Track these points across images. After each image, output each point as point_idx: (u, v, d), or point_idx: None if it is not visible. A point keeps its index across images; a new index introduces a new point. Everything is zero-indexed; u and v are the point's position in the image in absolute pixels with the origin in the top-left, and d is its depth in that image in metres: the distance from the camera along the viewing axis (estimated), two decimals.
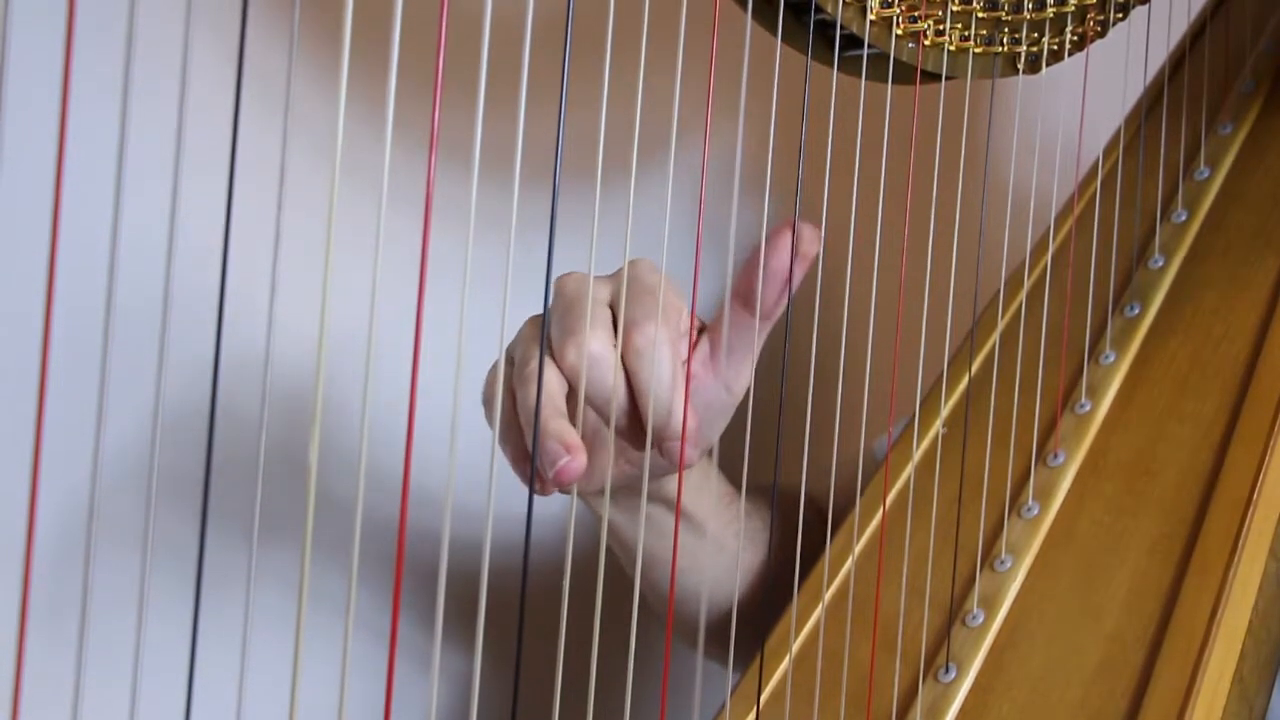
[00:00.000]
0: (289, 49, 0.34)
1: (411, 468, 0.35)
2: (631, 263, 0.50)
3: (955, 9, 0.58)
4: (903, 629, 0.58)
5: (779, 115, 0.50)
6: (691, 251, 0.47)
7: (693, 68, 0.44)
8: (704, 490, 0.61)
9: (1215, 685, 0.51)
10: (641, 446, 0.50)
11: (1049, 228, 0.72)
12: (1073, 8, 0.62)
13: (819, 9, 0.53)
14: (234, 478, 0.38)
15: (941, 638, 0.57)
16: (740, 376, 0.53)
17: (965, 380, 0.67)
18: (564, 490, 0.47)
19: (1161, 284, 0.68)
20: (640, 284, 0.49)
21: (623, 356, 0.49)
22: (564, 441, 0.45)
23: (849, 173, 0.56)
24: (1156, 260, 0.69)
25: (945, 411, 0.66)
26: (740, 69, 0.46)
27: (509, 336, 0.50)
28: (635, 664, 0.44)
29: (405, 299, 0.35)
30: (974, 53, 0.59)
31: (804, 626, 0.59)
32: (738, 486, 0.62)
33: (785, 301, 0.51)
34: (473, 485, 0.38)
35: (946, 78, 0.59)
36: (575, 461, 0.45)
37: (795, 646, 0.59)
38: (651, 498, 0.57)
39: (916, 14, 0.56)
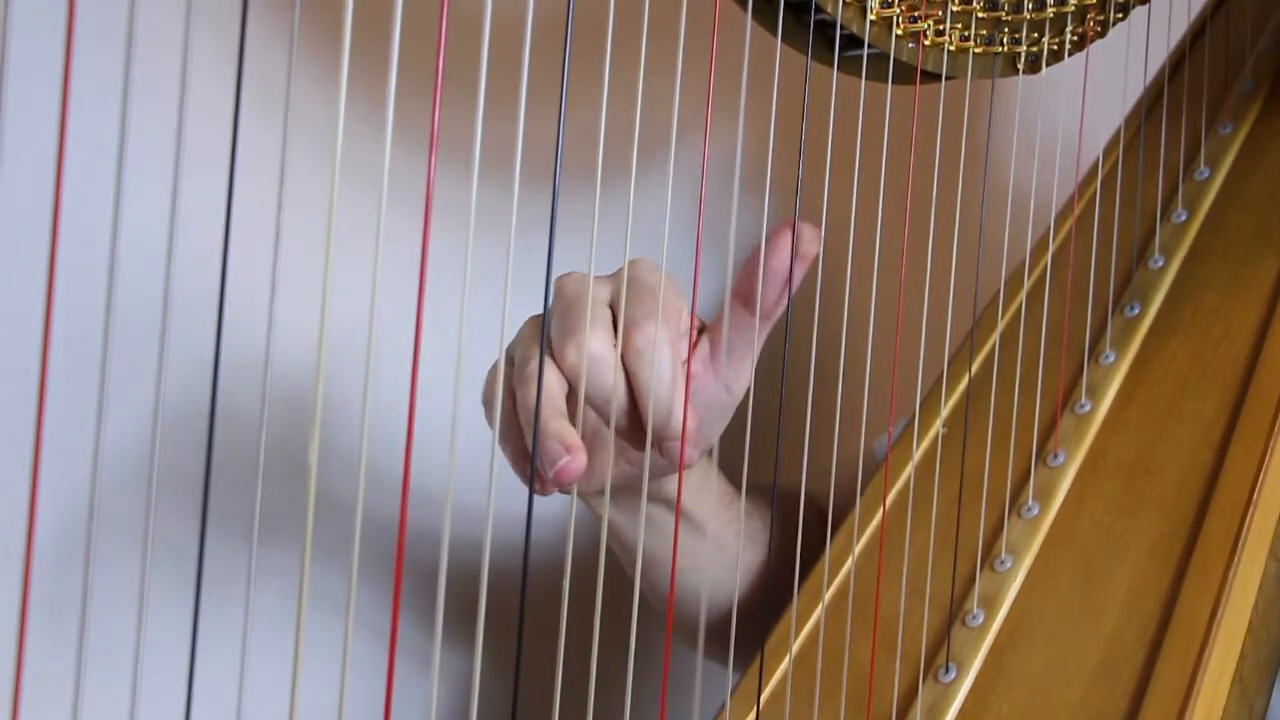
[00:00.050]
0: (289, 49, 0.34)
1: (411, 468, 0.35)
2: (632, 263, 0.50)
3: (955, 9, 0.58)
4: (903, 629, 0.58)
5: (779, 115, 0.50)
6: (691, 251, 0.47)
7: (693, 68, 0.44)
8: (704, 490, 0.61)
9: (1215, 685, 0.51)
10: (641, 446, 0.50)
11: (1049, 228, 0.72)
12: (1073, 8, 0.62)
13: (819, 9, 0.53)
14: (234, 478, 0.38)
15: (941, 638, 0.57)
16: (740, 376, 0.53)
17: (965, 380, 0.67)
18: (564, 490, 0.47)
19: (1161, 284, 0.68)
20: (640, 284, 0.49)
21: (623, 356, 0.49)
22: (564, 441, 0.45)
23: (849, 173, 0.56)
24: (1156, 260, 0.69)
25: (945, 411, 0.66)
26: (740, 69, 0.46)
27: (509, 336, 0.50)
28: (635, 664, 0.44)
29: (405, 299, 0.35)
30: (974, 53, 0.59)
31: (804, 626, 0.59)
32: (738, 486, 0.62)
33: (785, 301, 0.51)
34: (473, 485, 0.38)
35: (946, 78, 0.59)
36: (575, 462, 0.45)
37: (795, 646, 0.59)
38: (651, 498, 0.57)
39: (916, 14, 0.56)
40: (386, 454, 0.41)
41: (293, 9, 0.33)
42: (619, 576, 0.56)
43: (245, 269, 0.33)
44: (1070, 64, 0.64)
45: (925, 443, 0.65)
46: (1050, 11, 0.61)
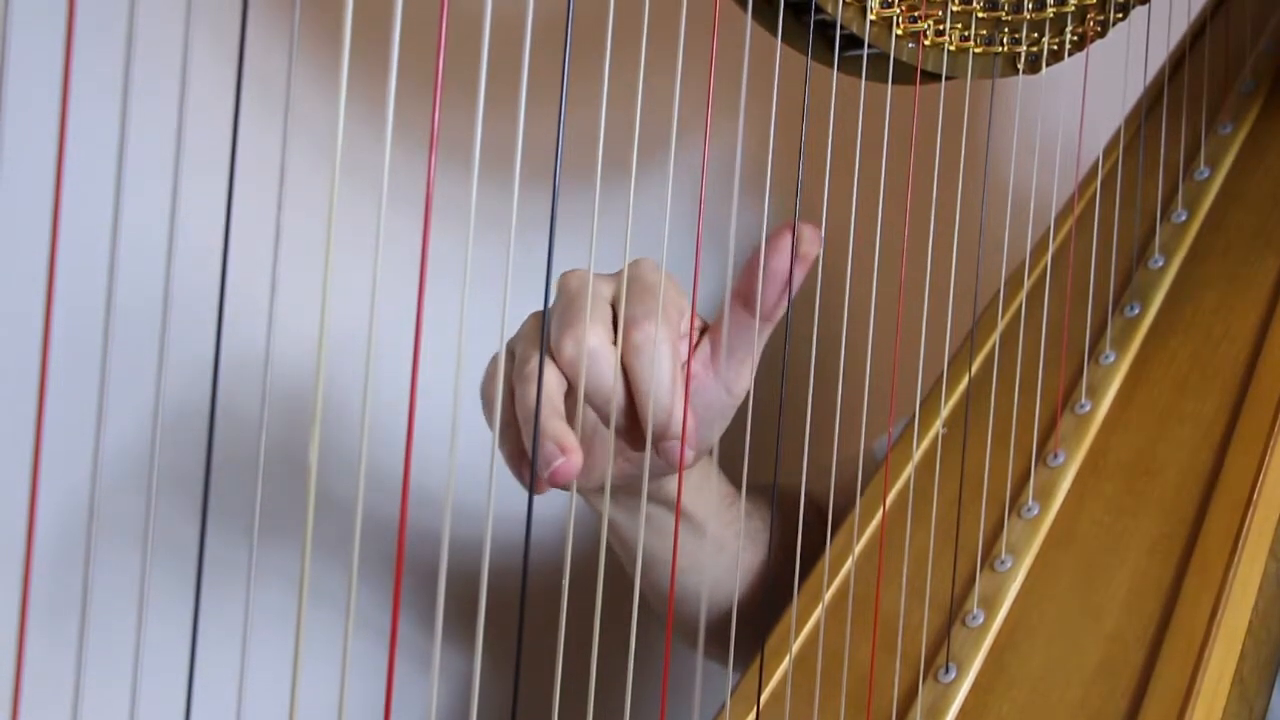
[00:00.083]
0: (289, 49, 0.34)
1: (411, 468, 0.35)
2: (634, 262, 0.50)
3: (955, 9, 0.58)
4: (903, 629, 0.58)
5: (779, 115, 0.50)
6: (691, 251, 0.47)
7: (693, 68, 0.44)
8: (704, 490, 0.61)
9: (1215, 685, 0.51)
10: (639, 446, 0.50)
11: (1049, 228, 0.72)
12: (1073, 8, 0.62)
13: (819, 9, 0.53)
14: (234, 477, 0.38)
15: (941, 638, 0.57)
16: (740, 378, 0.53)
17: (965, 380, 0.67)
18: (563, 488, 0.47)
19: (1161, 284, 0.68)
20: (642, 283, 0.49)
21: (622, 355, 0.49)
22: (560, 442, 0.45)
23: (849, 173, 0.56)
24: (1156, 260, 0.69)
25: (945, 411, 0.66)
26: (740, 69, 0.46)
27: (509, 337, 0.50)
28: (635, 664, 0.44)
29: (405, 299, 0.35)
30: (974, 53, 0.59)
31: (804, 626, 0.59)
32: (738, 486, 0.62)
33: (786, 302, 0.51)
34: (473, 485, 0.38)
35: (946, 78, 0.59)
36: (570, 463, 0.45)
37: (795, 646, 0.59)
38: (651, 497, 0.57)
39: (916, 14, 0.56)
40: (386, 454, 0.41)
41: (293, 9, 0.33)
42: (619, 576, 0.56)
43: (245, 269, 0.33)
44: (1070, 64, 0.64)
45: (925, 443, 0.65)
46: (1050, 11, 0.61)
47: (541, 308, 0.48)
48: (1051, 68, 0.63)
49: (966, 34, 0.59)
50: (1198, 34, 0.75)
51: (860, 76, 0.57)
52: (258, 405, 0.33)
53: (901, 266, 0.57)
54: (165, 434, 0.35)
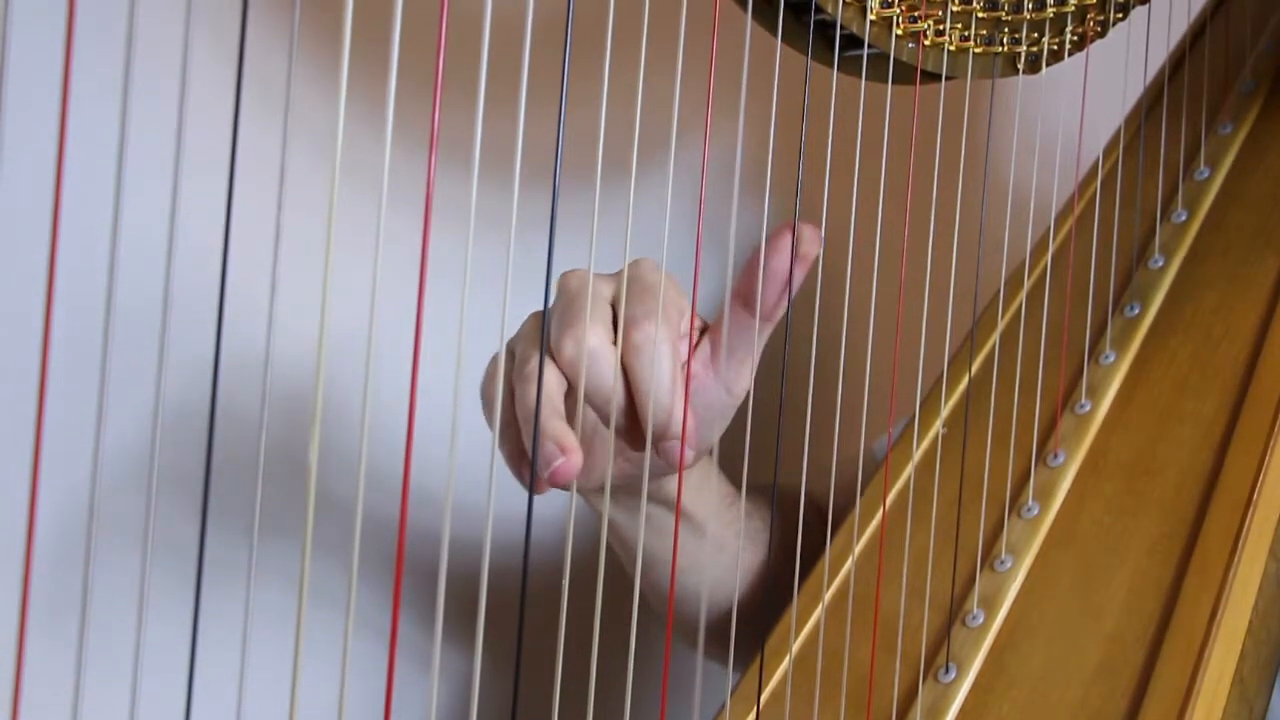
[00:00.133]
0: (289, 49, 0.34)
1: (411, 468, 0.35)
2: (634, 262, 0.50)
3: (955, 9, 0.58)
4: (903, 629, 0.58)
5: (779, 115, 0.50)
6: (691, 251, 0.47)
7: (693, 68, 0.44)
8: (704, 490, 0.61)
9: (1215, 685, 0.51)
10: (638, 446, 0.50)
11: (1049, 228, 0.72)
12: (1073, 8, 0.62)
13: (819, 9, 0.53)
14: (234, 477, 0.38)
15: (941, 638, 0.57)
16: (740, 378, 0.53)
17: (965, 380, 0.67)
18: (563, 488, 0.47)
19: (1161, 284, 0.68)
20: (642, 283, 0.49)
21: (622, 355, 0.49)
22: (560, 442, 0.45)
23: (849, 173, 0.56)
24: (1156, 260, 0.69)
25: (945, 411, 0.66)
26: (740, 69, 0.46)
27: (509, 337, 0.50)
28: (635, 664, 0.44)
29: (405, 299, 0.35)
30: (974, 53, 0.59)
31: (804, 626, 0.59)
32: (738, 486, 0.62)
33: (786, 303, 0.50)
34: (473, 485, 0.38)
35: (946, 78, 0.59)
36: (570, 463, 0.45)
37: (795, 646, 0.59)
38: (651, 498, 0.57)
39: (916, 14, 0.56)
40: (386, 454, 0.41)
41: (293, 9, 0.33)
42: (619, 576, 0.56)
43: (245, 269, 0.33)
44: (1070, 64, 0.64)
45: (925, 443, 0.65)
46: (1050, 11, 0.61)
47: (541, 308, 0.48)
48: (1051, 68, 0.63)
49: (966, 34, 0.59)
50: (1198, 34, 0.75)
51: (860, 76, 0.57)
52: (258, 405, 0.33)
53: (901, 266, 0.57)
54: (165, 434, 0.35)
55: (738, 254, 0.51)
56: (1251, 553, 0.55)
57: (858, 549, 0.62)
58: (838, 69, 0.57)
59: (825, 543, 0.62)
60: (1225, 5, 0.77)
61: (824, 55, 0.56)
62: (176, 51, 0.31)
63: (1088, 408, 0.64)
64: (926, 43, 0.57)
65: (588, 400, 0.49)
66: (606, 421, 0.49)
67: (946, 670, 0.56)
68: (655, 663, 0.50)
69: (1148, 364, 0.65)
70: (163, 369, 0.31)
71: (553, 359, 0.48)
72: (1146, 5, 0.66)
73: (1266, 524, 0.56)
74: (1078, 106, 0.65)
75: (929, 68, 0.58)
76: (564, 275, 0.50)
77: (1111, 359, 0.65)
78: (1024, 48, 0.61)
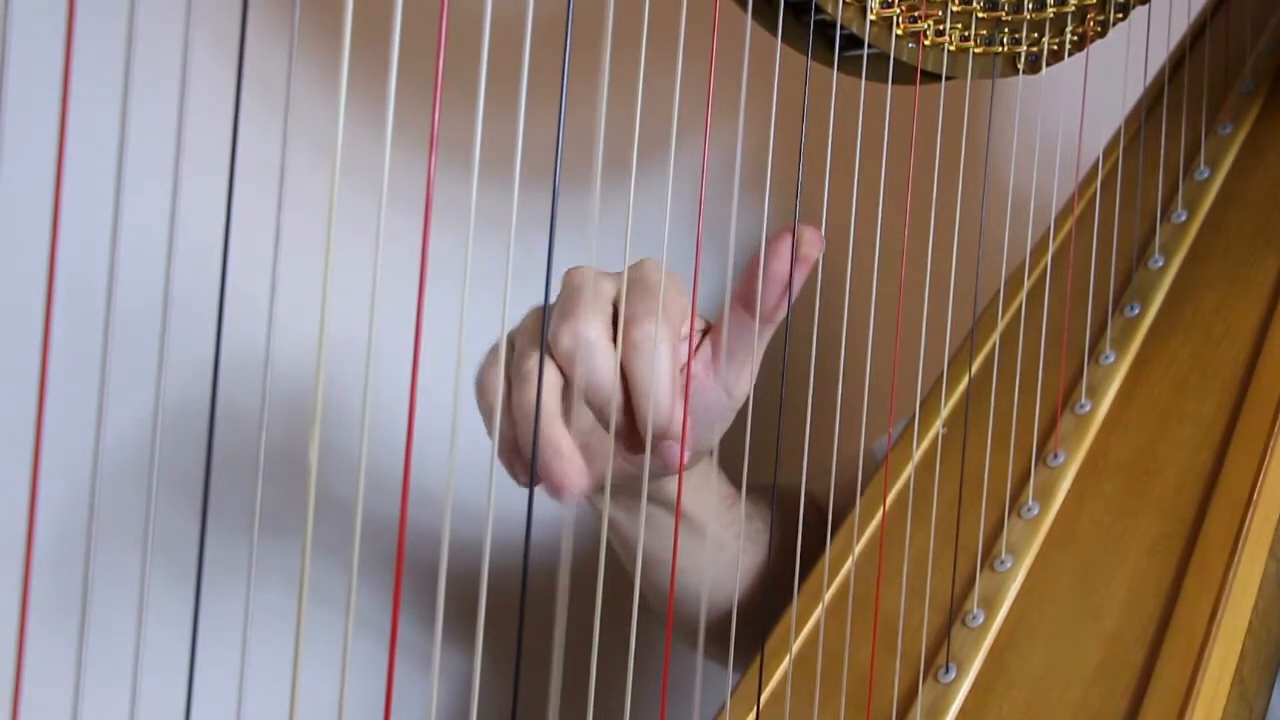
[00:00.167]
0: (289, 49, 0.34)
1: (411, 468, 0.35)
2: (637, 262, 0.50)
3: (955, 9, 0.58)
4: (903, 629, 0.58)
5: (779, 115, 0.50)
6: (691, 251, 0.47)
7: (693, 68, 0.44)
8: (704, 491, 0.61)
9: (1215, 685, 0.51)
10: (636, 447, 0.50)
11: (1049, 228, 0.72)
12: (1073, 8, 0.62)
13: (819, 9, 0.53)
14: (234, 477, 0.38)
15: (941, 638, 0.57)
16: (740, 380, 0.52)
17: (965, 380, 0.67)
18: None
19: (1161, 284, 0.68)
20: (644, 282, 0.49)
21: (621, 354, 0.49)
22: (567, 458, 0.45)
23: (849, 173, 0.56)
24: (1156, 260, 0.69)
25: (945, 411, 0.66)
26: (740, 69, 0.46)
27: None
28: (635, 664, 0.44)
29: (405, 299, 0.35)
30: (974, 53, 0.59)
31: (804, 626, 0.59)
32: (738, 487, 0.62)
33: (786, 305, 0.50)
34: (473, 485, 0.38)
35: (946, 78, 0.59)
36: (570, 479, 0.45)
37: (795, 646, 0.59)
38: (651, 498, 0.57)
39: (916, 14, 0.56)
40: (386, 454, 0.41)
41: (293, 9, 0.33)
42: (619, 576, 0.56)
43: (245, 269, 0.33)
44: (1070, 64, 0.64)
45: (925, 443, 0.65)
46: (1050, 11, 0.61)
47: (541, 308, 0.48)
48: (1051, 68, 0.63)
49: (966, 34, 0.59)
50: (1198, 34, 0.75)
51: (860, 76, 0.57)
52: (258, 405, 0.33)
53: (901, 266, 0.57)
54: (165, 434, 0.35)
55: (738, 254, 0.51)
56: (1251, 553, 0.55)
57: (858, 549, 0.62)
58: (838, 69, 0.57)
59: (825, 543, 0.62)
60: (1225, 5, 0.77)
61: (824, 55, 0.56)
62: (176, 51, 0.31)
63: (1088, 408, 0.64)
64: (926, 43, 0.57)
65: (586, 396, 0.48)
66: (604, 421, 0.49)
67: (946, 670, 0.56)
68: (655, 663, 0.50)
69: (1148, 364, 0.65)
70: (163, 369, 0.31)
71: (552, 356, 0.48)
72: (1146, 5, 0.66)
73: (1266, 524, 0.56)
74: (1078, 106, 0.65)
75: (929, 68, 0.58)
76: (568, 271, 0.50)
77: (1111, 359, 0.65)
78: (1024, 48, 0.61)
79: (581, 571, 0.43)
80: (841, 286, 0.62)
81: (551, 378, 0.47)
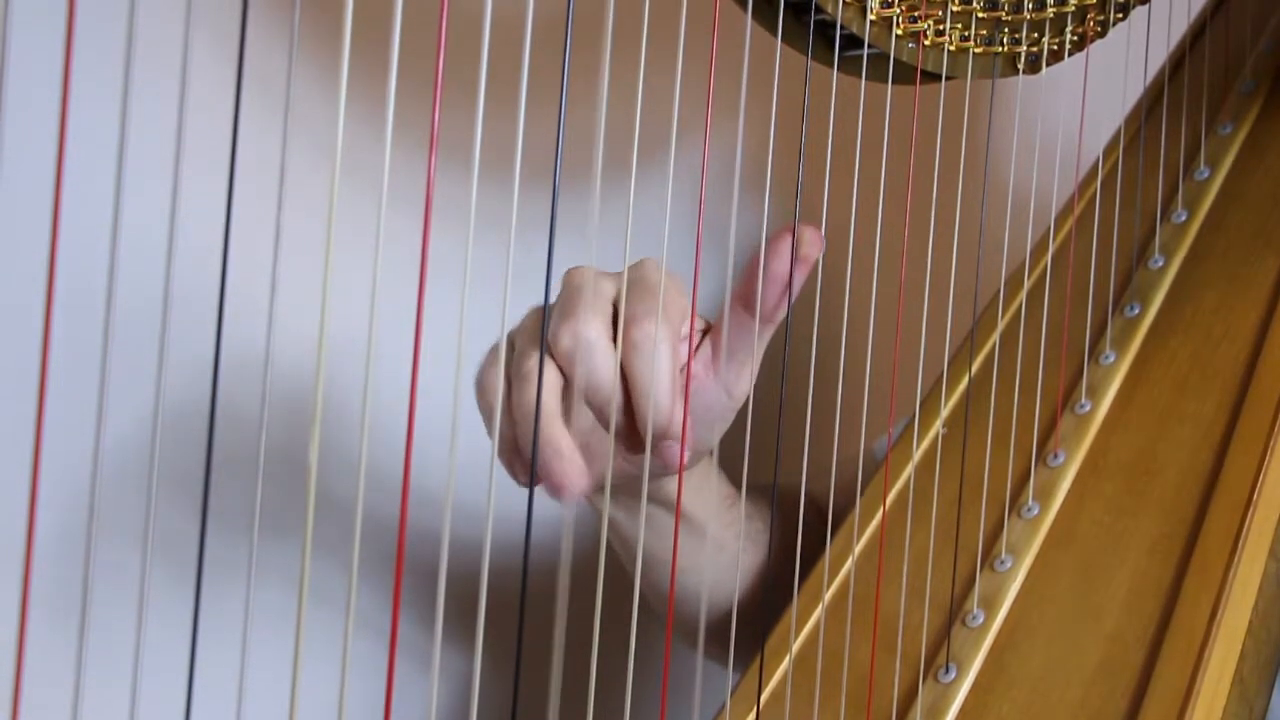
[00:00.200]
0: (289, 49, 0.34)
1: (411, 468, 0.35)
2: (637, 262, 0.50)
3: (955, 9, 0.58)
4: (903, 629, 0.58)
5: (779, 115, 0.50)
6: (691, 251, 0.47)
7: (693, 68, 0.44)
8: (704, 491, 0.61)
9: (1215, 685, 0.51)
10: (636, 447, 0.50)
11: (1049, 228, 0.72)
12: (1073, 8, 0.62)
13: (819, 9, 0.53)
14: (234, 477, 0.38)
15: (941, 638, 0.57)
16: (740, 380, 0.52)
17: (965, 380, 0.67)
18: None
19: (1161, 284, 0.68)
20: (644, 282, 0.49)
21: (621, 354, 0.49)
22: (560, 452, 0.45)
23: (849, 173, 0.56)
24: (1156, 260, 0.69)
25: (945, 411, 0.66)
26: (740, 69, 0.46)
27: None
28: (635, 664, 0.44)
29: (405, 299, 0.35)
30: (974, 53, 0.59)
31: (804, 626, 0.59)
32: (738, 487, 0.62)
33: (786, 305, 0.50)
34: (473, 485, 0.38)
35: (946, 78, 0.59)
36: (570, 479, 0.45)
37: (795, 646, 0.59)
38: (651, 498, 0.57)
39: (916, 14, 0.56)
40: (386, 454, 0.41)
41: (293, 9, 0.33)
42: (619, 576, 0.56)
43: (245, 269, 0.33)
44: (1070, 64, 0.64)
45: (925, 443, 0.65)
46: (1050, 11, 0.61)
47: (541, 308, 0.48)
48: (1051, 68, 0.63)
49: (966, 34, 0.59)
50: (1198, 34, 0.75)
51: (860, 76, 0.57)
52: (258, 405, 0.33)
53: (901, 266, 0.57)
54: (165, 434, 0.35)
55: (738, 254, 0.51)
56: (1251, 553, 0.55)
57: (858, 549, 0.62)
58: (838, 69, 0.57)
59: (825, 543, 0.62)
60: (1225, 5, 0.77)
61: (824, 55, 0.56)
62: (176, 51, 0.31)
63: (1088, 408, 0.64)
64: (926, 43, 0.57)
65: (586, 396, 0.49)
66: (604, 421, 0.49)
67: (946, 670, 0.56)
68: (655, 663, 0.50)
69: (1148, 364, 0.65)
70: (163, 369, 0.31)
71: (552, 356, 0.48)
72: (1146, 5, 0.66)
73: (1266, 524, 0.56)
74: (1078, 106, 0.65)
75: (929, 68, 0.58)
76: (568, 271, 0.50)
77: (1111, 359, 0.65)
78: (1024, 48, 0.61)
79: (581, 571, 0.43)
80: (841, 286, 0.62)
81: (551, 378, 0.47)
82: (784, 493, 0.69)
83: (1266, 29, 0.77)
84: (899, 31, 0.56)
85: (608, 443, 0.50)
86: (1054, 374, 0.65)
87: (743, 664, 0.59)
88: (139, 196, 0.33)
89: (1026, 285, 0.69)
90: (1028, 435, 0.63)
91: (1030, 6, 0.60)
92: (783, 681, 0.58)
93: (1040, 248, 0.72)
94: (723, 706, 0.57)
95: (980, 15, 0.59)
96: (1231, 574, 0.54)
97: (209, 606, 0.33)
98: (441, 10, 0.34)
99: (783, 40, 0.53)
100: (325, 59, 0.55)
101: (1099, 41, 0.64)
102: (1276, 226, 0.68)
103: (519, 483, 0.48)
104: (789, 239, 0.49)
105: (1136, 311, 0.67)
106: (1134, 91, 0.72)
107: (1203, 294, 0.66)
